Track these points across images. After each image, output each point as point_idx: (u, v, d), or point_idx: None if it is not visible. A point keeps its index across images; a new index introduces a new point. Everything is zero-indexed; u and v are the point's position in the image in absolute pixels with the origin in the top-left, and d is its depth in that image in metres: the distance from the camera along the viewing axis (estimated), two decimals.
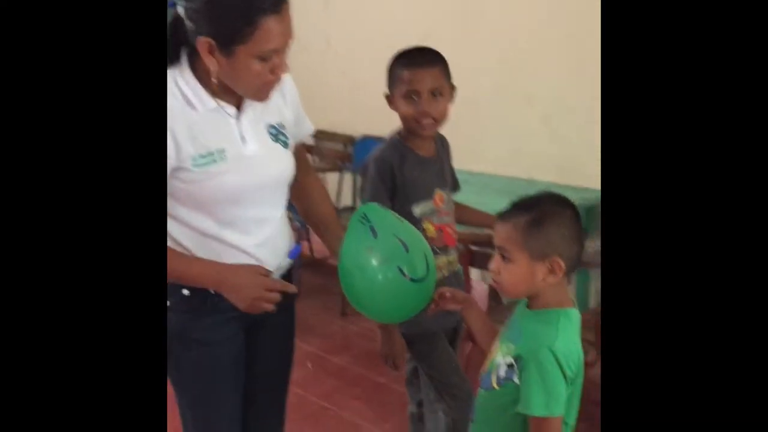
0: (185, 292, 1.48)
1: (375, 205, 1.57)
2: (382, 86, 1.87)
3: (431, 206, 1.87)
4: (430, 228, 1.85)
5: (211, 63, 1.38)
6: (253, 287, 1.45)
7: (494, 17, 3.50)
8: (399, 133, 1.89)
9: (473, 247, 2.48)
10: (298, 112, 1.63)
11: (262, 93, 1.46)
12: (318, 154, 4.30)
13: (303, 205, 1.75)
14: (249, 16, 1.32)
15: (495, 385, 1.34)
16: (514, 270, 1.31)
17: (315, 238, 4.09)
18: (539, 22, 3.32)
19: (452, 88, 1.85)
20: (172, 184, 1.41)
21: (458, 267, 1.99)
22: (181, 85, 1.42)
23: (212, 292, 1.48)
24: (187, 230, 1.46)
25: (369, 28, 4.06)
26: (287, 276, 1.62)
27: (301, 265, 3.75)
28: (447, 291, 1.50)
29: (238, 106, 1.49)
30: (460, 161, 2.11)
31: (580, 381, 1.33)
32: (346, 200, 4.14)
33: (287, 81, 1.59)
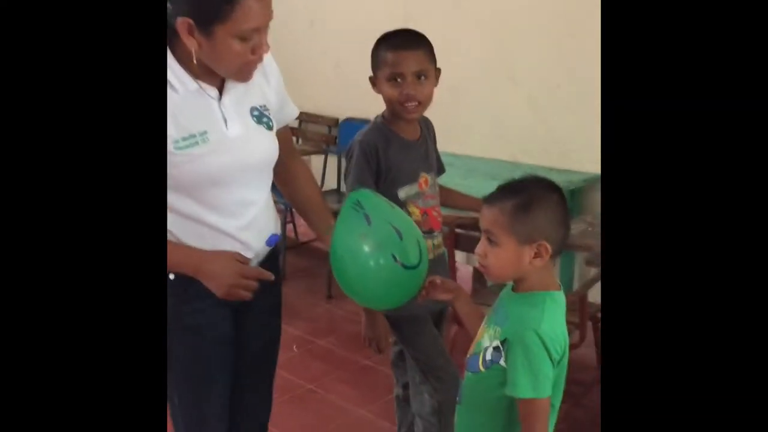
0: (171, 276, 1.47)
1: (368, 191, 1.56)
2: (366, 68, 1.86)
3: (416, 189, 1.87)
4: (415, 211, 1.85)
5: (191, 44, 1.37)
6: (230, 274, 1.44)
7: None
8: (383, 116, 1.88)
9: (458, 230, 2.48)
10: (282, 95, 1.62)
11: (243, 73, 1.44)
12: (302, 136, 4.28)
13: (288, 188, 1.74)
14: None
15: (481, 368, 1.35)
16: (501, 254, 1.31)
17: (299, 221, 4.10)
18: (523, 3, 3.30)
19: (437, 70, 1.84)
20: None
21: (443, 250, 1.99)
22: None
23: None
24: (171, 214, 1.45)
25: (353, 9, 4.03)
26: (274, 260, 1.62)
27: (286, 248, 3.75)
28: (437, 279, 1.50)
29: (220, 88, 1.47)
30: (444, 144, 2.10)
31: (565, 363, 1.34)
32: (331, 183, 4.13)
33: (270, 63, 1.58)
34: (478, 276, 2.91)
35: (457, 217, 2.33)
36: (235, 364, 1.62)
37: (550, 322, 1.30)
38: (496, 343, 1.32)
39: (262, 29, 1.39)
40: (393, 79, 1.78)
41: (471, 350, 1.41)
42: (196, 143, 1.42)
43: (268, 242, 1.52)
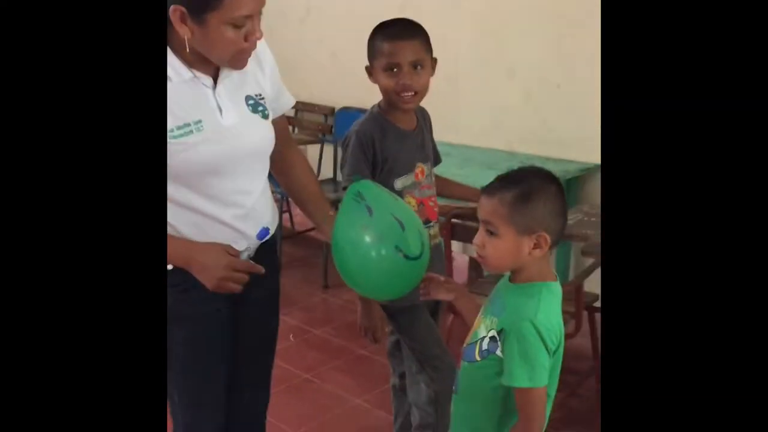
0: (169, 267, 1.47)
1: (369, 182, 1.56)
2: (362, 56, 1.85)
3: (412, 180, 1.87)
4: (411, 202, 1.85)
5: (183, 32, 1.37)
6: (220, 267, 1.44)
7: None
8: (379, 105, 1.88)
9: (455, 220, 2.48)
10: (277, 84, 1.62)
11: (237, 61, 1.44)
12: (298, 125, 4.27)
13: (285, 178, 1.73)
14: None
15: (478, 358, 1.35)
16: (500, 244, 1.31)
17: (295, 211, 4.11)
18: None
19: (433, 60, 1.84)
20: None
21: (440, 240, 1.99)
22: None
23: None
24: (168, 204, 1.44)
25: None
26: (272, 251, 1.62)
27: (282, 238, 3.75)
28: (440, 278, 1.51)
29: (215, 77, 1.47)
30: (440, 133, 2.10)
31: (560, 353, 1.34)
32: (327, 172, 4.12)
33: (265, 52, 1.57)
34: (475, 266, 2.92)
35: (453, 207, 2.33)
36: (233, 355, 1.63)
37: (546, 312, 1.30)
38: (493, 333, 1.33)
39: (254, 16, 1.38)
40: (389, 69, 1.78)
41: (467, 340, 1.42)
42: (191, 132, 1.41)
43: (259, 235, 1.52)
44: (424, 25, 1.83)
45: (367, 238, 1.43)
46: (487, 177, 1.38)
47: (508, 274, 1.39)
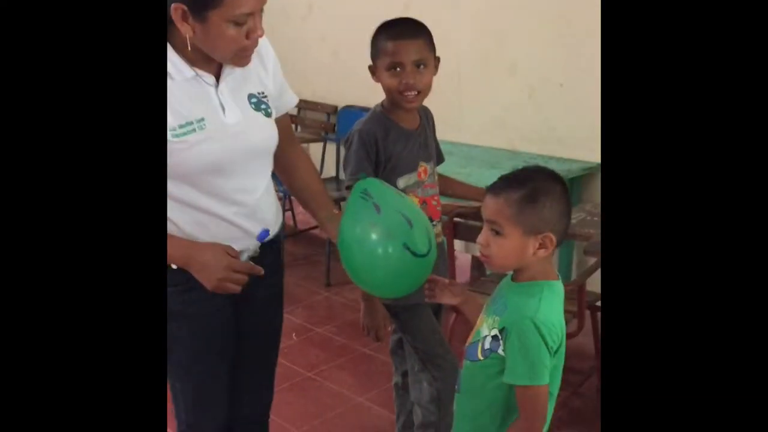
0: (172, 266, 1.47)
1: (375, 180, 1.56)
2: (365, 55, 1.85)
3: (415, 179, 1.87)
4: (414, 201, 1.85)
5: (185, 30, 1.37)
6: (219, 268, 1.44)
7: None
8: (382, 105, 1.88)
9: (457, 219, 2.48)
10: (280, 82, 1.62)
11: (239, 58, 1.44)
12: (301, 123, 4.27)
13: (288, 176, 1.73)
14: None
15: (480, 356, 1.36)
16: (505, 244, 1.31)
17: (298, 209, 4.11)
18: None
19: (436, 59, 1.84)
20: None
21: (442, 239, 1.99)
22: None
23: None
24: (171, 202, 1.45)
25: None
26: (276, 251, 1.62)
27: (285, 236, 3.75)
28: (445, 281, 1.52)
29: (217, 75, 1.47)
30: (443, 132, 2.10)
31: (562, 352, 1.34)
32: (330, 171, 4.12)
33: (268, 50, 1.57)
34: (477, 265, 2.92)
35: (456, 206, 2.33)
36: (236, 354, 1.63)
37: (547, 311, 1.30)
38: (495, 332, 1.33)
39: (256, 13, 1.39)
40: (392, 68, 1.78)
41: (470, 339, 1.42)
42: (193, 130, 1.42)
43: (259, 237, 1.52)
44: (426, 24, 1.83)
45: (375, 236, 1.43)
46: (490, 176, 1.39)
47: (510, 273, 1.40)
